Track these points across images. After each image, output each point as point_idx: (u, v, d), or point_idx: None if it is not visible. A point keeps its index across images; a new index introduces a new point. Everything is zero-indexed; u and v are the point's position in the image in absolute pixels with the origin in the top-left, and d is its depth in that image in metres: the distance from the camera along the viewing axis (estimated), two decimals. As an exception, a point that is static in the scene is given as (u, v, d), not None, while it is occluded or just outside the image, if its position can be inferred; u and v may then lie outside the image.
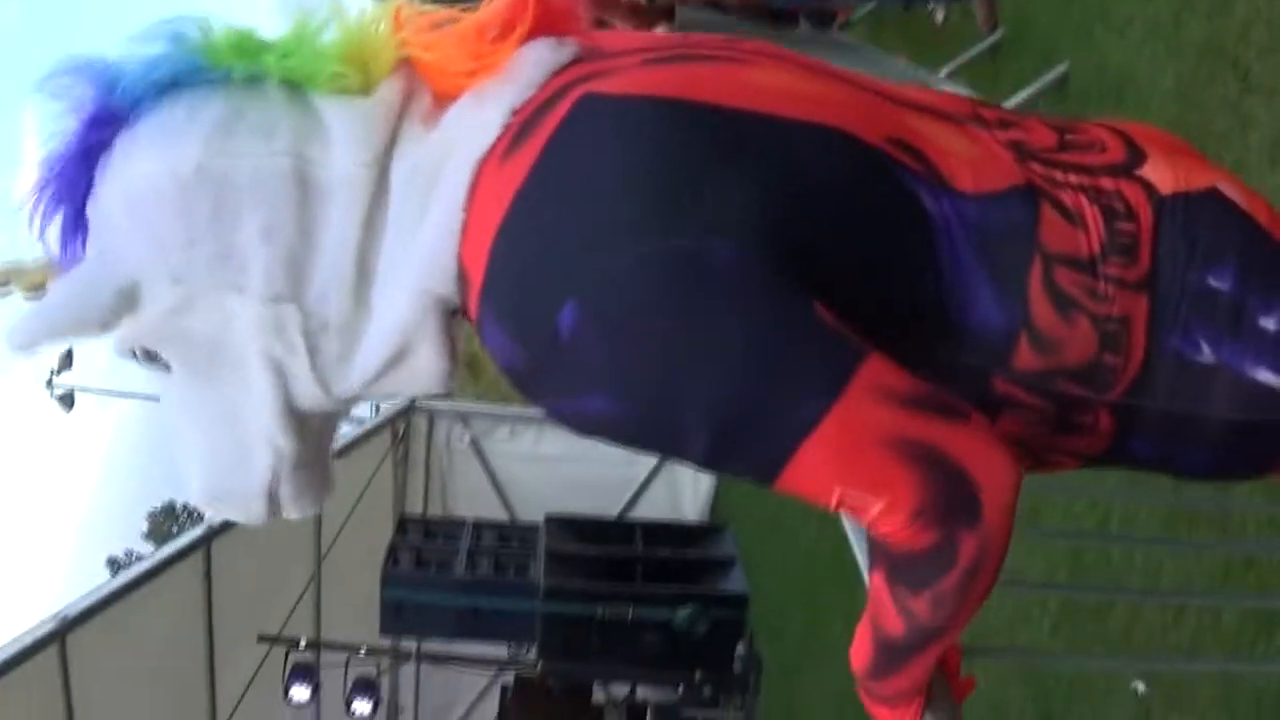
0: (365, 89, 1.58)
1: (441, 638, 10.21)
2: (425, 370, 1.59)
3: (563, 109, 1.49)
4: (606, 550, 10.18)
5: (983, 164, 1.60)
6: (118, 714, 7.45)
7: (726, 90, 1.52)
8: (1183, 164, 1.69)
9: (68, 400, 15.13)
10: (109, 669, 7.36)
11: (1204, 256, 1.60)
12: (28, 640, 6.70)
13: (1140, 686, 4.41)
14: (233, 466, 1.66)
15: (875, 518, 1.46)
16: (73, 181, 1.58)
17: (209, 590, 8.46)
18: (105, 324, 1.57)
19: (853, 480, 1.44)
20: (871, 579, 1.56)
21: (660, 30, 5.59)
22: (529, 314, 1.45)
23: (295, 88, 1.58)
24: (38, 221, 1.60)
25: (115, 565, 48.65)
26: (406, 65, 1.60)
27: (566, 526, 10.46)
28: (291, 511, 1.70)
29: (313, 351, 1.57)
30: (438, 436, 12.11)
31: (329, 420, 1.72)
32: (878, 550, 1.52)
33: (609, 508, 11.81)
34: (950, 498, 1.43)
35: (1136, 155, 1.68)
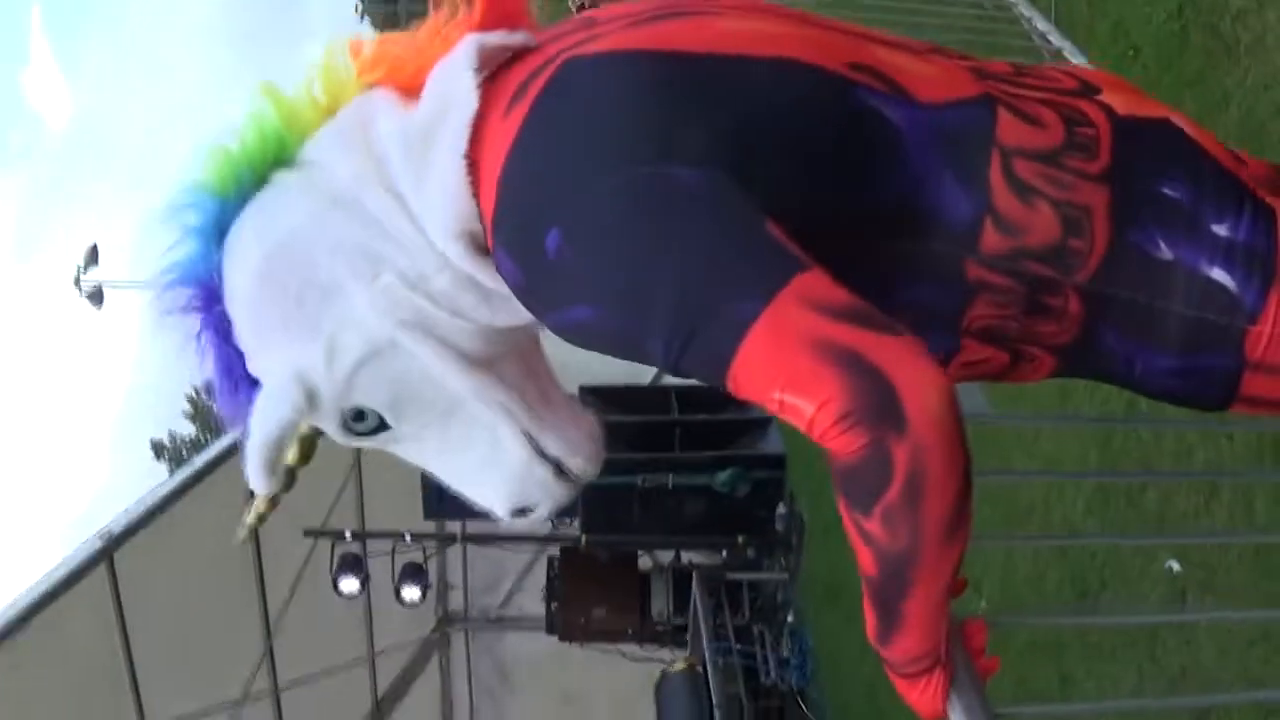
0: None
1: (484, 518, 10.32)
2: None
3: (550, 71, 1.69)
4: (643, 418, 10.20)
5: (943, 80, 1.78)
6: (170, 622, 7.61)
7: (695, 39, 1.70)
8: (1135, 99, 1.87)
9: (97, 297, 15.14)
10: (158, 579, 7.50)
11: (1157, 169, 1.78)
12: (76, 561, 6.83)
13: (1175, 566, 4.44)
14: (501, 463, 1.86)
15: (810, 423, 1.51)
16: (230, 365, 1.82)
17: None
18: (300, 412, 1.78)
19: (785, 380, 1.52)
20: (841, 514, 1.59)
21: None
22: (524, 240, 1.65)
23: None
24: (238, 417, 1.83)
25: (160, 449, 49.22)
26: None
27: (601, 395, 10.50)
28: (575, 462, 1.87)
29: (431, 297, 1.73)
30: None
31: (525, 358, 1.87)
32: (833, 476, 1.56)
33: (641, 375, 11.86)
34: (873, 400, 1.48)
35: (1091, 88, 1.87)
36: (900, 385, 1.49)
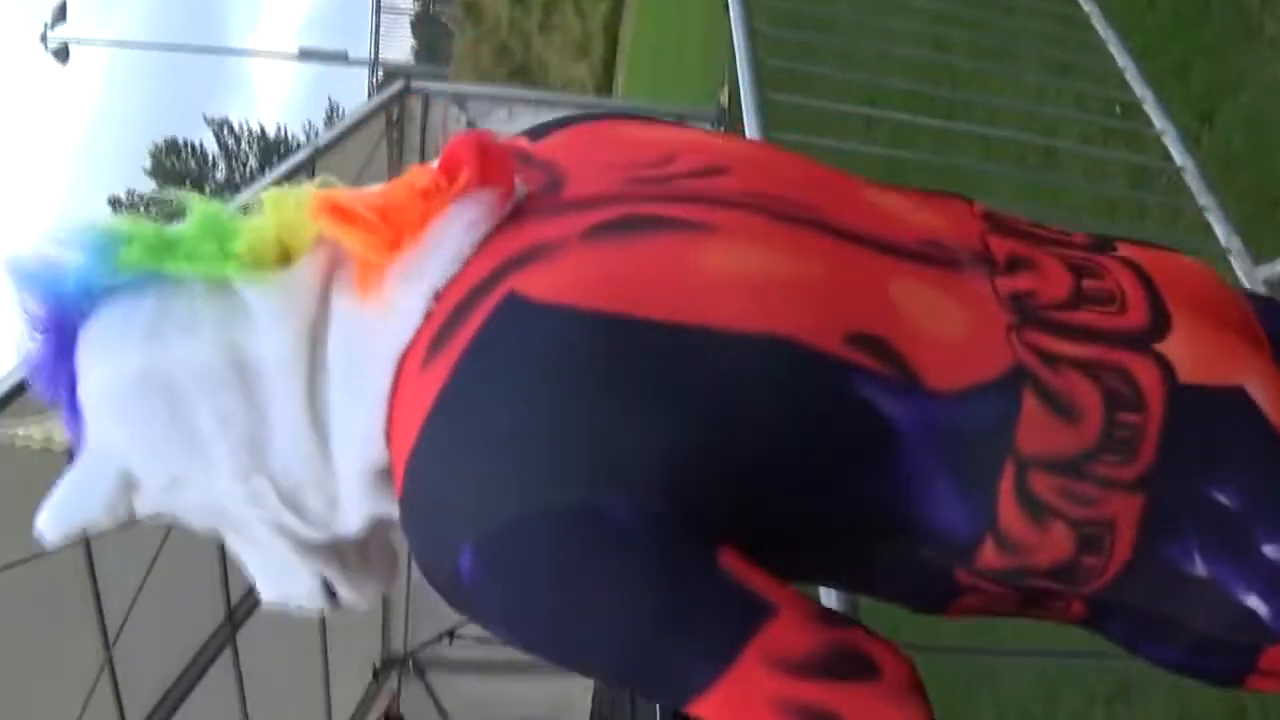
0: (287, 266, 1.56)
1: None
2: None
3: (484, 310, 1.44)
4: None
5: (967, 346, 1.48)
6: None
7: (666, 292, 1.42)
8: (1210, 338, 1.55)
9: (63, 54, 14.84)
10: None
11: (1211, 465, 1.49)
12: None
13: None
14: (285, 579, 1.68)
15: None
16: (54, 379, 1.59)
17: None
18: (113, 509, 1.57)
19: None
20: None
21: None
22: (434, 550, 1.45)
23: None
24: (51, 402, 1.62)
25: (116, 204, 48.50)
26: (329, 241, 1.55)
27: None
28: (361, 604, 1.73)
29: (298, 510, 1.57)
30: (433, 118, 11.77)
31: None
32: None
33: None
34: None
35: (1160, 319, 1.54)
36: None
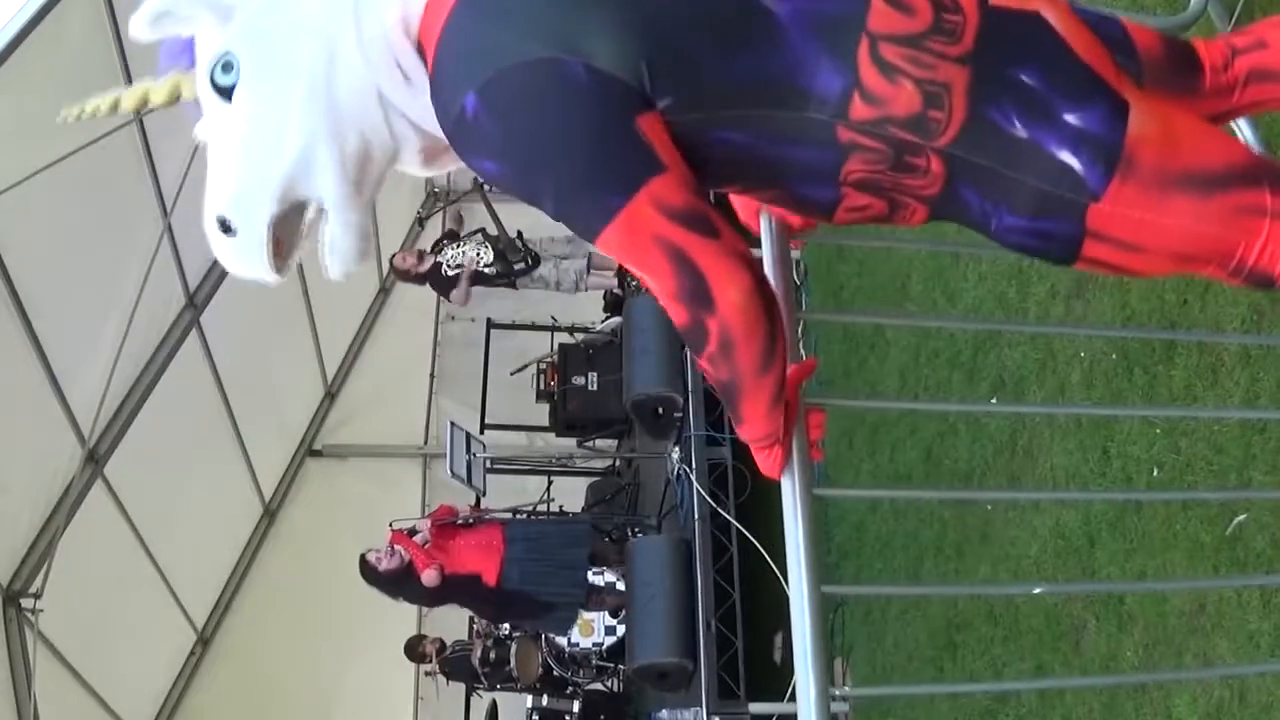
0: None
1: None
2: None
3: None
4: None
5: None
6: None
7: None
8: None
9: None
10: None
11: (1017, 57, 2.10)
12: None
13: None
14: (262, 160, 2.07)
15: (656, 293, 2.08)
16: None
17: None
18: (214, 5, 2.09)
19: (637, 262, 2.07)
20: None
21: None
22: (448, 98, 2.04)
23: None
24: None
25: None
26: None
27: None
28: (336, 253, 2.13)
29: (361, 41, 2.06)
30: None
31: (370, 182, 2.16)
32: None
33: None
34: (691, 287, 2.03)
35: None
36: (710, 279, 2.03)
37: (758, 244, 2.51)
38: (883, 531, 8.31)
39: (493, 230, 11.41)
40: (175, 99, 2.19)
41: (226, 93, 2.08)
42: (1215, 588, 4.23)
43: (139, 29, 2.11)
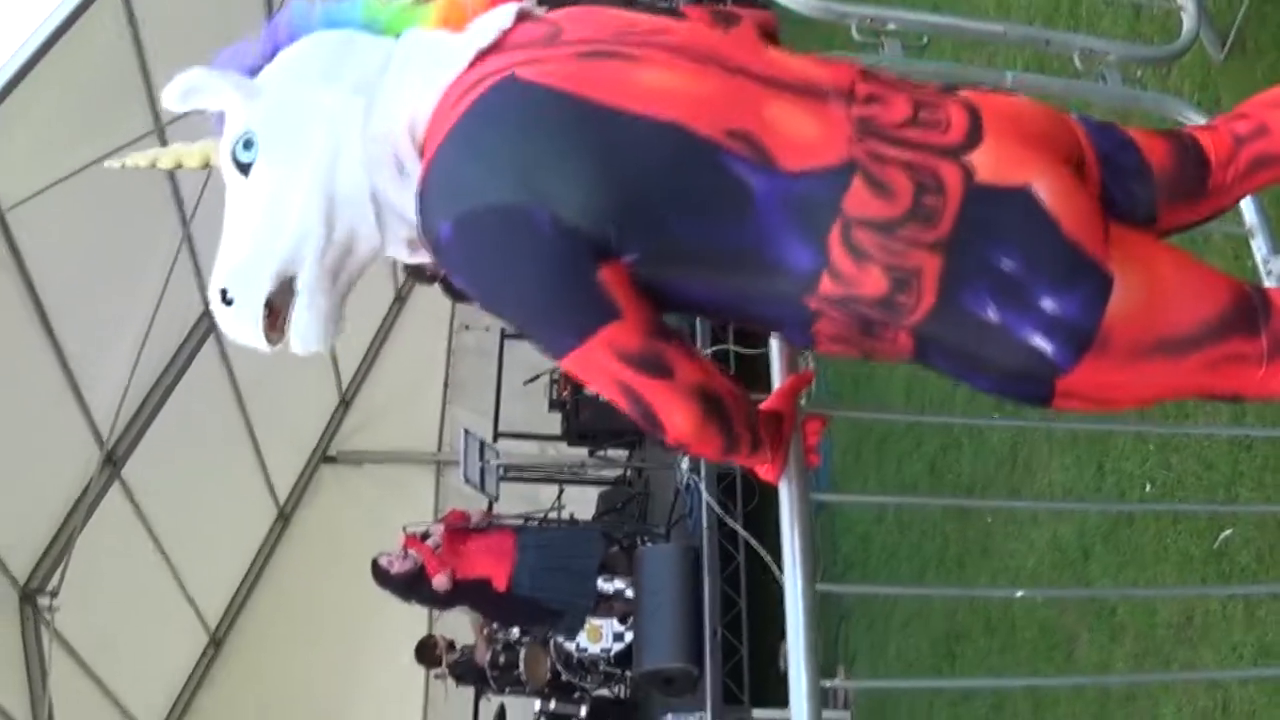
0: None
1: None
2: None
3: (493, 80, 2.13)
4: None
5: (815, 144, 2.09)
6: (185, 27, 8.01)
7: (608, 87, 2.10)
8: (1010, 152, 2.12)
9: None
10: None
11: (996, 241, 2.06)
12: None
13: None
14: (264, 239, 2.18)
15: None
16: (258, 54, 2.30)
17: None
18: (240, 86, 2.24)
19: (594, 387, 2.20)
20: None
21: None
22: (430, 222, 2.13)
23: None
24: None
25: None
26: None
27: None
28: (299, 330, 2.21)
29: (365, 138, 2.17)
30: None
31: (350, 272, 2.27)
32: None
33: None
34: (642, 416, 2.18)
35: (974, 139, 2.13)
36: (660, 414, 2.15)
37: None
38: (888, 543, 8.40)
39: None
40: (206, 165, 2.36)
41: (245, 169, 2.20)
42: (1200, 596, 4.31)
43: (170, 100, 2.25)
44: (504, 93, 2.11)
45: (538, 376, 12.74)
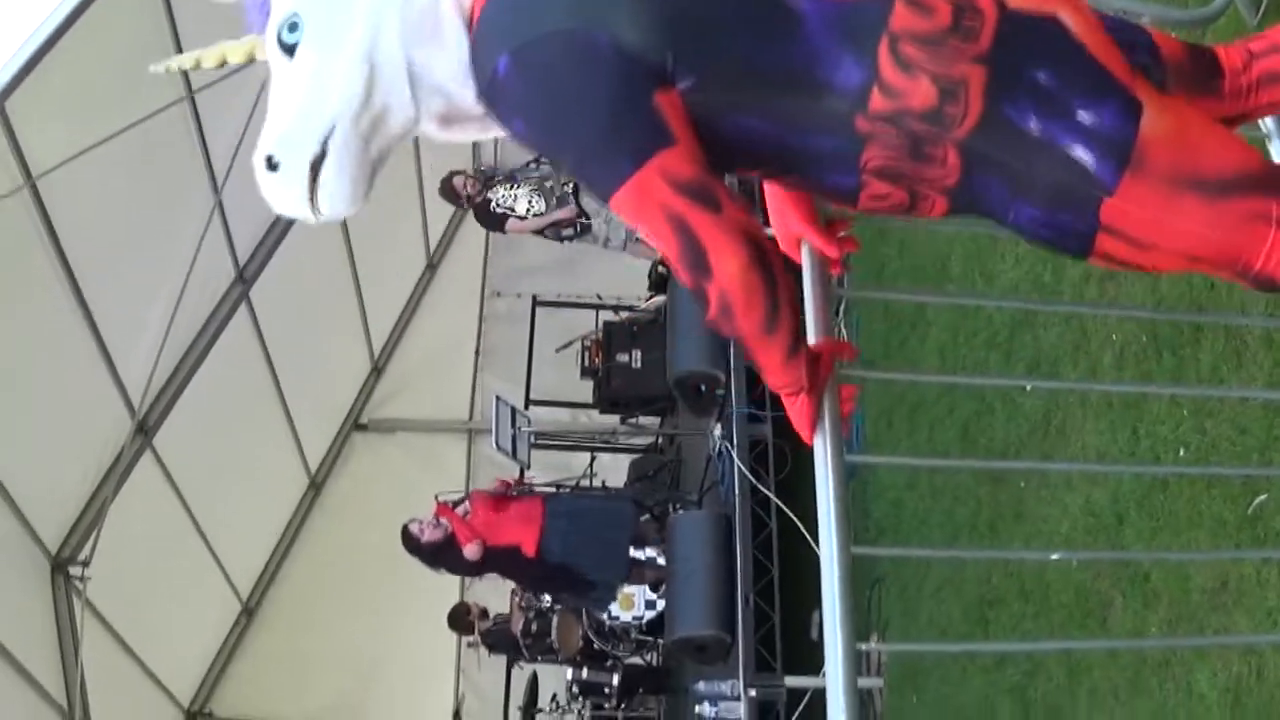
0: None
1: None
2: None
3: None
4: None
5: None
6: None
7: None
8: None
9: None
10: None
11: (1033, 57, 2.18)
12: None
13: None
14: (309, 106, 2.22)
15: (664, 257, 2.18)
16: None
17: None
18: None
19: (644, 226, 2.21)
20: None
21: None
22: (485, 61, 2.19)
23: None
24: None
25: None
26: None
27: None
28: (326, 191, 2.23)
29: (403, 16, 2.21)
30: None
31: (381, 142, 2.29)
32: None
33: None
34: (692, 257, 2.17)
35: None
36: (709, 250, 2.14)
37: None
38: (920, 509, 8.37)
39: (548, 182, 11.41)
40: (251, 60, 2.40)
41: (290, 50, 2.26)
42: (1235, 560, 4.29)
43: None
44: None
45: (570, 343, 12.71)
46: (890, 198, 2.29)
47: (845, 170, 2.25)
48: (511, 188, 11.52)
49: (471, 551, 9.72)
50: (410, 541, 9.86)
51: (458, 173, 11.74)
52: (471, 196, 11.56)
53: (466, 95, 2.25)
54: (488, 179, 11.69)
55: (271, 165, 2.22)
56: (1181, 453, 4.72)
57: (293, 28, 2.26)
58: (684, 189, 2.13)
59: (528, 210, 11.42)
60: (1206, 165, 2.21)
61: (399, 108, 2.25)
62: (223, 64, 2.44)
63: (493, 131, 2.35)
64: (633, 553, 10.15)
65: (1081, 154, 2.16)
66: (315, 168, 2.22)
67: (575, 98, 2.15)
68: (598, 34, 2.12)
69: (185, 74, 8.03)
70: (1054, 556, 5.69)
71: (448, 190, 11.73)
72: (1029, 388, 6.44)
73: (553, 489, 11.42)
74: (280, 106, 2.27)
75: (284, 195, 2.24)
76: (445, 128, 2.32)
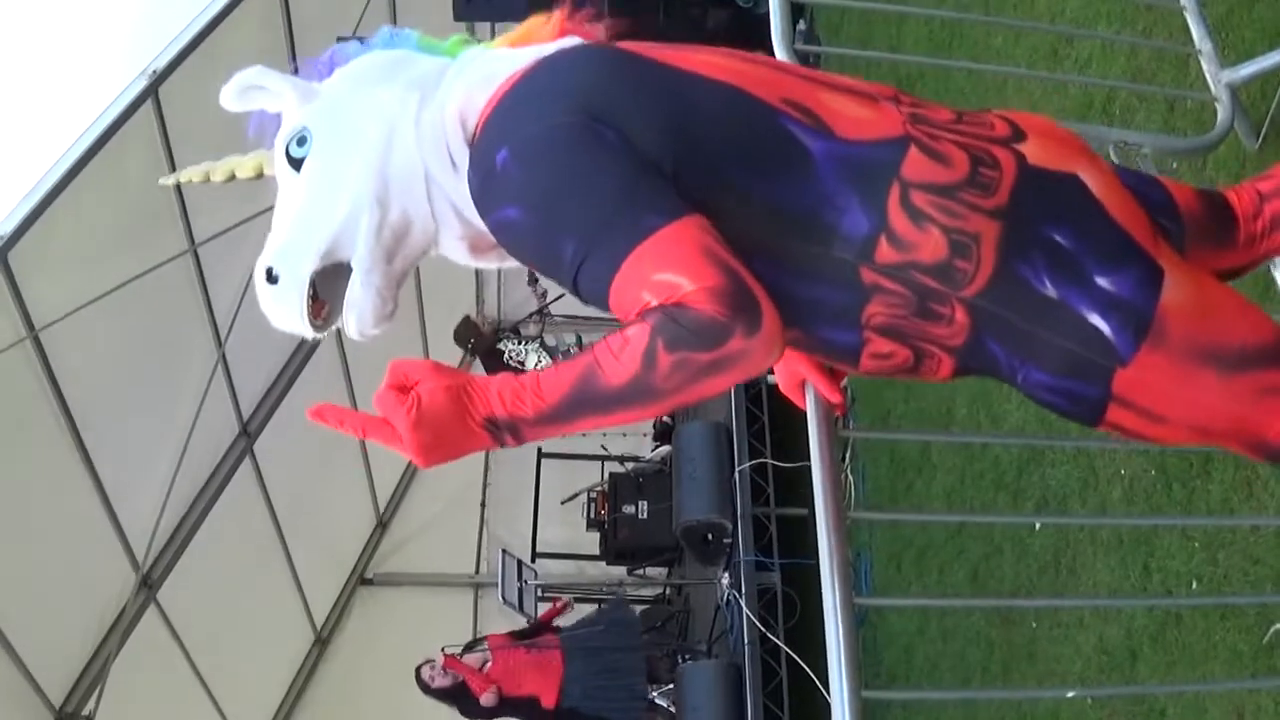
0: None
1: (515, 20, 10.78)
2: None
3: (552, 47, 2.21)
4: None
5: (870, 123, 2.12)
6: (218, 149, 8.08)
7: (665, 54, 2.15)
8: (1055, 149, 2.17)
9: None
10: (205, 110, 7.98)
11: (1051, 216, 2.08)
12: (122, 104, 7.28)
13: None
14: (314, 220, 2.18)
15: (680, 289, 1.93)
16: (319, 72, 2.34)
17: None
18: (298, 86, 2.28)
19: (677, 266, 1.94)
20: (638, 326, 1.97)
21: None
22: (483, 153, 2.10)
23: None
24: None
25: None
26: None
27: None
28: (354, 309, 2.18)
29: (418, 123, 2.18)
30: None
31: (404, 257, 2.25)
32: (666, 310, 1.95)
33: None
34: (744, 300, 1.93)
35: (1018, 135, 2.18)
36: (764, 306, 1.94)
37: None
38: (931, 653, 8.26)
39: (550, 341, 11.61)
40: (259, 174, 2.38)
41: (298, 164, 2.22)
42: (1251, 691, 4.22)
43: (227, 99, 2.28)
44: (564, 51, 2.18)
45: (576, 495, 12.72)
46: (894, 357, 2.18)
47: (847, 325, 2.14)
48: (521, 344, 11.71)
49: (488, 699, 9.66)
50: (422, 684, 9.84)
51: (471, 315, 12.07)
52: (485, 335, 11.79)
53: (477, 217, 2.18)
54: (496, 329, 11.93)
55: (271, 278, 2.17)
56: (1194, 585, 4.66)
57: (301, 141, 2.23)
58: (728, 246, 1.99)
59: (536, 365, 11.54)
60: (1224, 337, 2.13)
61: (419, 219, 2.20)
62: (231, 178, 2.46)
63: (510, 260, 2.26)
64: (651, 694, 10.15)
65: (1098, 321, 2.06)
66: (314, 290, 2.15)
67: (584, 169, 2.01)
68: (605, 128, 2.01)
69: (188, 227, 8.26)
70: (1069, 694, 5.60)
71: (464, 328, 11.94)
72: (1038, 526, 6.39)
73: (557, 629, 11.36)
74: (283, 219, 2.23)
75: (282, 310, 2.18)
76: (474, 254, 2.27)
